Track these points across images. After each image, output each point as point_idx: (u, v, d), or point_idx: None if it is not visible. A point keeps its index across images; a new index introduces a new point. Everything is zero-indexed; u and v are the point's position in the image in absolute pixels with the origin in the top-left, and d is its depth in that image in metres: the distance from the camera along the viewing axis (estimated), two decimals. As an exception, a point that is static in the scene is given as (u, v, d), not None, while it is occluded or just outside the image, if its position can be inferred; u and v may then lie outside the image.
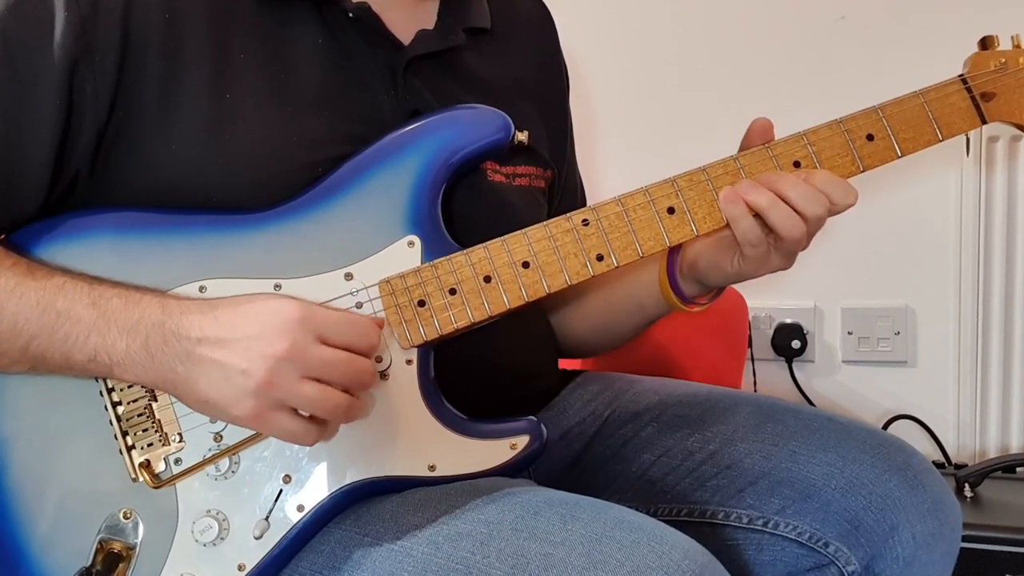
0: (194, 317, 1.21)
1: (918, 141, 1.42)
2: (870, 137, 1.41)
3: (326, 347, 1.20)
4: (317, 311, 1.21)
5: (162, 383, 1.24)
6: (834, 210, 1.38)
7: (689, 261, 1.51)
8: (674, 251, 1.52)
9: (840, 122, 1.41)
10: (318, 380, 1.20)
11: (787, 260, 1.44)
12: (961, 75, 1.44)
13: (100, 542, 1.27)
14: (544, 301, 1.41)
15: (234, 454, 1.29)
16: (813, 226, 1.38)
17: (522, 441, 1.35)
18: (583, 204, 1.82)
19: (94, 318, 1.22)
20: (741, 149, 1.43)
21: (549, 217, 1.55)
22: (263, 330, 1.18)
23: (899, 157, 1.42)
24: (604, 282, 1.64)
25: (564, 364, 1.81)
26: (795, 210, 1.36)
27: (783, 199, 1.36)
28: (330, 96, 1.41)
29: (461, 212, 1.43)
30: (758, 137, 1.43)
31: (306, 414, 1.21)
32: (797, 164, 1.40)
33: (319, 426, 1.22)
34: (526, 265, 1.34)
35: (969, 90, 1.43)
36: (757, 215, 1.37)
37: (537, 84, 1.70)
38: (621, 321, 1.69)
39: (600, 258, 1.35)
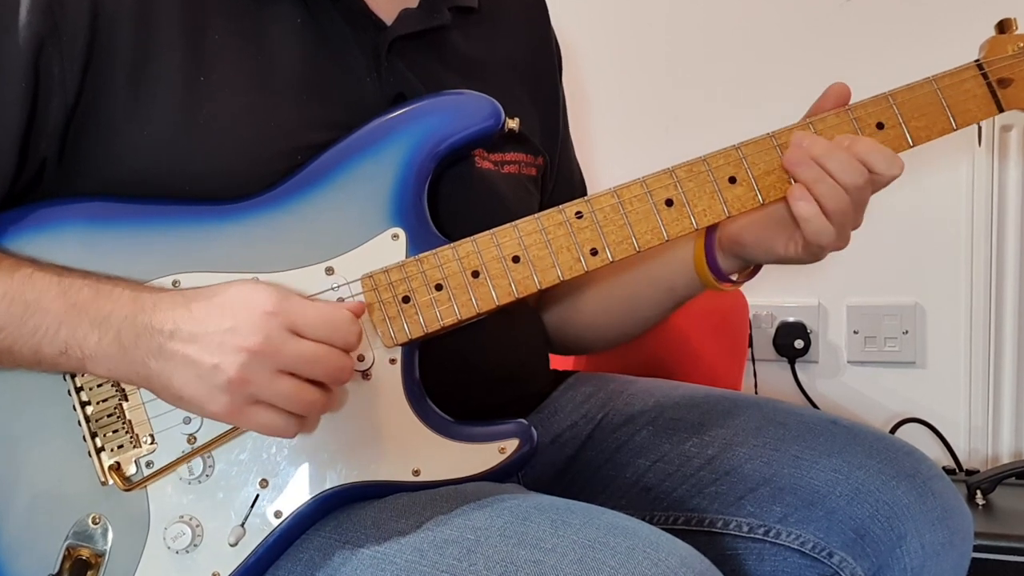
0: (167, 310, 1.21)
1: (931, 130, 1.42)
2: (880, 126, 1.41)
3: (301, 341, 1.20)
4: (292, 303, 1.21)
5: (135, 378, 1.25)
6: (877, 180, 1.38)
7: (731, 235, 1.51)
8: (712, 226, 1.51)
9: (849, 110, 1.42)
10: (293, 374, 1.20)
11: (843, 242, 1.43)
12: (977, 60, 1.44)
13: (67, 549, 1.28)
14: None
15: (207, 453, 1.29)
16: (856, 196, 1.39)
17: (511, 445, 1.36)
18: (582, 190, 1.84)
19: (64, 310, 1.22)
20: (810, 113, 1.45)
21: (542, 205, 1.57)
22: (235, 323, 1.18)
23: (911, 146, 1.42)
24: (627, 265, 1.63)
25: (556, 364, 1.81)
26: (836, 181, 1.37)
27: (823, 168, 1.37)
28: (309, 79, 1.42)
29: (447, 202, 1.43)
30: (831, 102, 1.44)
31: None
32: None
33: (298, 420, 1.23)
34: (516, 259, 1.34)
35: (985, 76, 1.43)
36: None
37: (527, 65, 1.71)
38: (647, 305, 1.69)
39: (594, 252, 1.36)
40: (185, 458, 1.29)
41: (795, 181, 1.39)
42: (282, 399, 1.20)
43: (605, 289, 1.71)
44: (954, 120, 1.43)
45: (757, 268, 1.57)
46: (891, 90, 1.42)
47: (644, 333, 1.76)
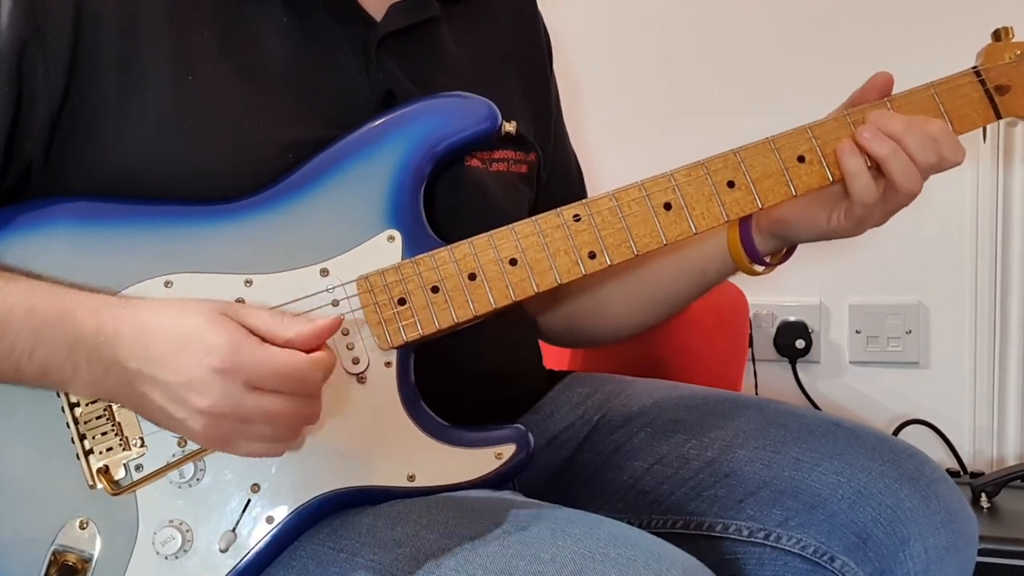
0: (127, 345, 1.20)
1: None
2: None
3: (261, 395, 1.18)
4: (243, 358, 1.17)
5: (116, 400, 1.27)
6: (942, 165, 1.43)
7: (772, 215, 1.54)
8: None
9: (847, 115, 1.44)
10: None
11: (886, 218, 1.49)
12: (974, 67, 1.48)
13: (53, 554, 1.28)
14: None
15: (199, 459, 1.30)
16: (922, 175, 1.44)
17: (508, 450, 1.36)
18: (580, 182, 1.86)
19: (37, 328, 1.23)
20: (852, 102, 1.48)
21: (536, 200, 1.59)
22: (191, 377, 1.17)
23: None
24: (651, 256, 1.61)
25: (550, 364, 1.82)
26: (911, 159, 1.41)
27: (900, 145, 1.41)
28: (298, 77, 1.42)
29: (439, 203, 1.44)
30: (875, 92, 1.48)
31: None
32: (801, 159, 1.42)
33: (282, 441, 1.23)
34: (513, 262, 1.34)
35: (983, 82, 1.46)
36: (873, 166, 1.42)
37: (518, 57, 1.72)
38: (675, 292, 1.71)
39: (592, 255, 1.36)
40: (175, 464, 1.29)
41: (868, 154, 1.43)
42: (257, 435, 1.20)
43: (630, 278, 1.73)
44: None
45: (790, 251, 1.59)
46: (889, 96, 1.46)
47: (667, 320, 1.78)
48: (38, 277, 1.28)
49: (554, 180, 1.75)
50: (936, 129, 1.42)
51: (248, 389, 1.17)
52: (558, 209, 1.37)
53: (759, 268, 1.60)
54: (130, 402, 1.24)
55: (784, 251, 1.59)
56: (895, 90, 1.47)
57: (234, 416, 1.18)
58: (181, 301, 1.26)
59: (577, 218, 1.36)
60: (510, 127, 1.42)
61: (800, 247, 1.57)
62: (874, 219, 1.48)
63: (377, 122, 1.38)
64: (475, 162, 1.54)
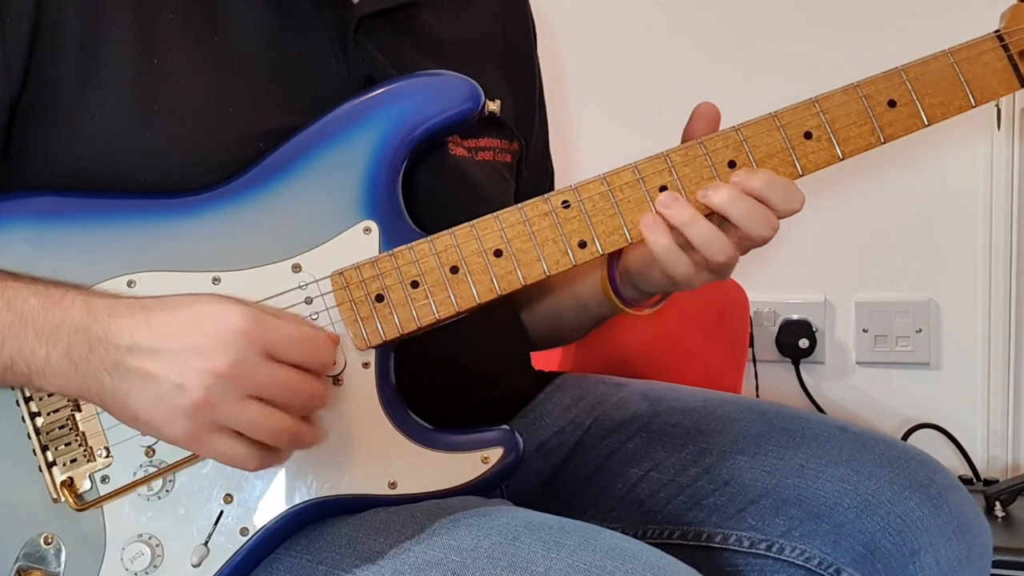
0: (124, 321, 1.20)
1: (947, 107, 1.40)
2: (892, 103, 1.39)
3: (274, 364, 1.19)
4: (266, 323, 1.20)
5: (88, 394, 1.24)
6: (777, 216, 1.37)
7: (624, 265, 1.53)
8: (616, 252, 1.50)
9: (857, 86, 1.40)
10: (263, 400, 1.19)
11: (720, 277, 1.43)
12: (997, 31, 1.42)
13: (18, 570, 1.28)
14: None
15: (170, 475, 1.30)
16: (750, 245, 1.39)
17: (495, 454, 1.36)
18: (551, 185, 1.86)
19: (9, 322, 1.22)
20: (683, 138, 1.43)
21: (517, 194, 1.59)
22: (204, 342, 1.17)
23: (925, 126, 1.40)
24: (549, 282, 1.61)
25: (540, 365, 1.82)
26: (737, 227, 1.35)
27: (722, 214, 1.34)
28: (271, 61, 1.42)
29: (420, 192, 1.43)
30: (700, 125, 1.42)
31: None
32: (808, 135, 1.37)
33: (264, 450, 1.21)
34: (498, 253, 1.34)
35: (1006, 48, 1.40)
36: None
37: (502, 43, 1.72)
38: (568, 318, 1.71)
39: (583, 245, 1.35)
40: (144, 480, 1.29)
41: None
42: (248, 426, 1.19)
43: (532, 301, 1.75)
44: (973, 96, 1.40)
45: (667, 294, 1.56)
46: (904, 64, 1.40)
47: (574, 342, 1.80)
48: (13, 274, 1.27)
49: (532, 178, 1.76)
50: (760, 184, 1.35)
51: (263, 357, 1.18)
52: (545, 195, 1.36)
53: (637, 311, 1.57)
54: (106, 390, 1.21)
55: (661, 296, 1.56)
56: (909, 59, 1.42)
57: (241, 383, 1.17)
58: (177, 295, 1.26)
59: (566, 204, 1.35)
60: (494, 106, 1.41)
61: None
62: (703, 279, 1.41)
63: (350, 104, 1.37)
64: (461, 151, 1.54)
